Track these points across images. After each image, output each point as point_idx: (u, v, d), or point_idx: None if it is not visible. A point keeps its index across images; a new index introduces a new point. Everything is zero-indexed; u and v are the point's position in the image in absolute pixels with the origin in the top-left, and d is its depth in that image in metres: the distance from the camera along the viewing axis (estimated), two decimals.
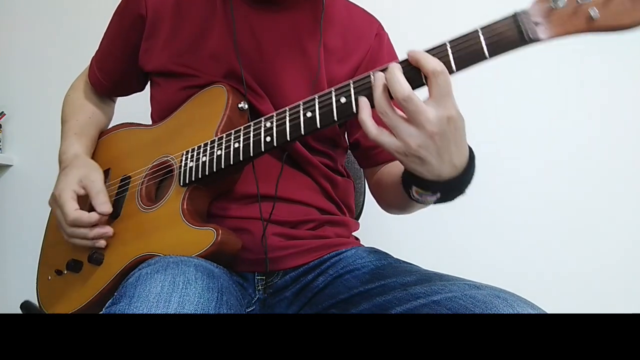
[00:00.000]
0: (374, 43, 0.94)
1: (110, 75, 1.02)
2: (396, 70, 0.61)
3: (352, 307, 0.76)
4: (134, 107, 1.13)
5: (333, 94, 0.69)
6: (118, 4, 0.99)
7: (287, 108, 0.73)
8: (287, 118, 0.72)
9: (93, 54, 1.06)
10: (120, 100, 1.14)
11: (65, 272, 0.91)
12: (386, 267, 0.80)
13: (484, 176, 1.35)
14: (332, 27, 0.91)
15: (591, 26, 0.56)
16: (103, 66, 1.03)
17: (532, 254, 1.32)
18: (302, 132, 0.71)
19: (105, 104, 1.09)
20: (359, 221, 1.04)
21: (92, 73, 1.04)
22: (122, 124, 1.04)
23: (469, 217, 1.37)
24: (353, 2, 1.01)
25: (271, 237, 0.84)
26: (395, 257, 0.87)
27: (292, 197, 0.87)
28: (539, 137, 1.36)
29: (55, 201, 0.87)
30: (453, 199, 0.70)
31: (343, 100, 0.68)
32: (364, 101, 0.64)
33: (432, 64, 0.59)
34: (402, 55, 0.96)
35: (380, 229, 1.26)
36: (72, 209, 0.84)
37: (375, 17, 1.00)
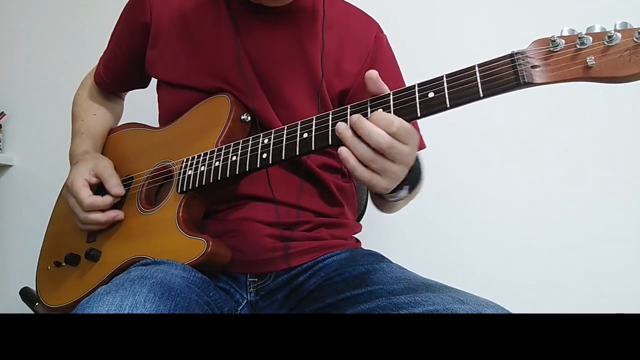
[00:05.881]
0: (372, 46, 0.94)
1: (113, 74, 1.06)
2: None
3: (338, 312, 0.76)
4: (144, 105, 1.16)
5: (330, 117, 0.70)
6: (124, 6, 1.01)
7: (285, 127, 0.75)
8: (284, 137, 0.74)
9: (93, 54, 1.09)
10: (130, 96, 1.16)
11: (64, 264, 0.94)
12: (377, 272, 0.79)
13: (482, 178, 1.34)
14: (329, 31, 0.91)
15: (587, 74, 0.55)
16: (108, 66, 1.06)
17: (530, 257, 1.29)
18: (297, 153, 0.72)
19: (111, 101, 1.11)
20: (362, 222, 1.04)
21: (97, 72, 1.08)
22: (130, 123, 1.06)
23: (468, 221, 1.35)
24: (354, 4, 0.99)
25: (264, 238, 0.85)
26: (390, 260, 0.86)
27: (285, 200, 0.87)
28: (541, 141, 1.33)
29: (68, 189, 0.90)
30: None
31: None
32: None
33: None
34: (399, 57, 0.97)
35: (381, 231, 1.25)
36: (87, 195, 0.87)
37: (375, 19, 0.99)
